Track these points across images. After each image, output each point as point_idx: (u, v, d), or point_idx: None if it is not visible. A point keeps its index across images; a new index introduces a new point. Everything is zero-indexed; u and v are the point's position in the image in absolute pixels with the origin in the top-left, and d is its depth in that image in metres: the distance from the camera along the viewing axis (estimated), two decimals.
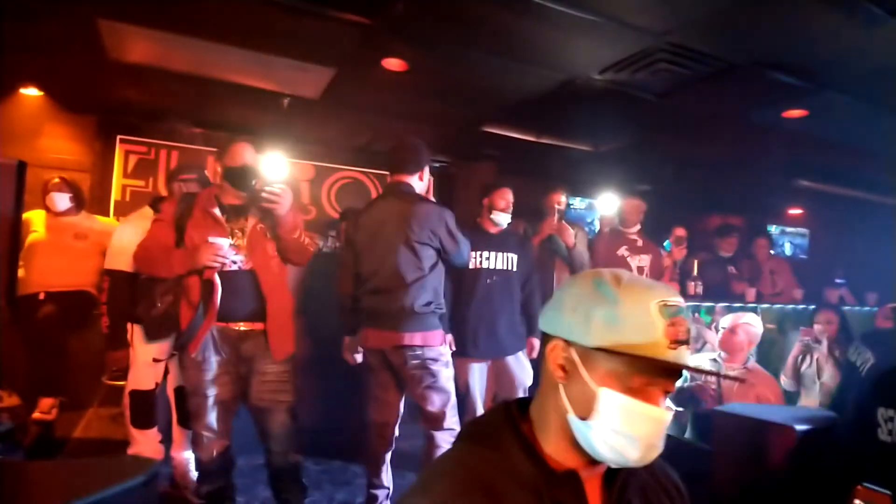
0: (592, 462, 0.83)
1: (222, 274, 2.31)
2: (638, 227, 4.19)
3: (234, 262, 2.34)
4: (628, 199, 4.32)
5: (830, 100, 3.69)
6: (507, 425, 0.85)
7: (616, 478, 0.87)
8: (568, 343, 0.82)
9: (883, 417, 1.77)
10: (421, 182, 2.77)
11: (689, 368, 0.81)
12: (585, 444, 0.81)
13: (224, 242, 2.29)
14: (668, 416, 0.81)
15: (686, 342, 0.80)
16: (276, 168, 5.37)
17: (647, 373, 0.78)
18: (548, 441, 0.84)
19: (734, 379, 3.13)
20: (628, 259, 4.10)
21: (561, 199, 3.76)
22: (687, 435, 3.00)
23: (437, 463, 0.86)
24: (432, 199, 2.85)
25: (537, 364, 0.95)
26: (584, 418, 0.80)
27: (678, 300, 0.81)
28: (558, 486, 0.80)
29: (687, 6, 2.68)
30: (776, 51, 3.10)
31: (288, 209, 2.37)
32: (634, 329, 0.78)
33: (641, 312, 0.78)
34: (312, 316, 3.39)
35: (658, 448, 0.81)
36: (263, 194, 2.32)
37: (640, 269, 4.08)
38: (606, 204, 5.21)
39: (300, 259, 2.53)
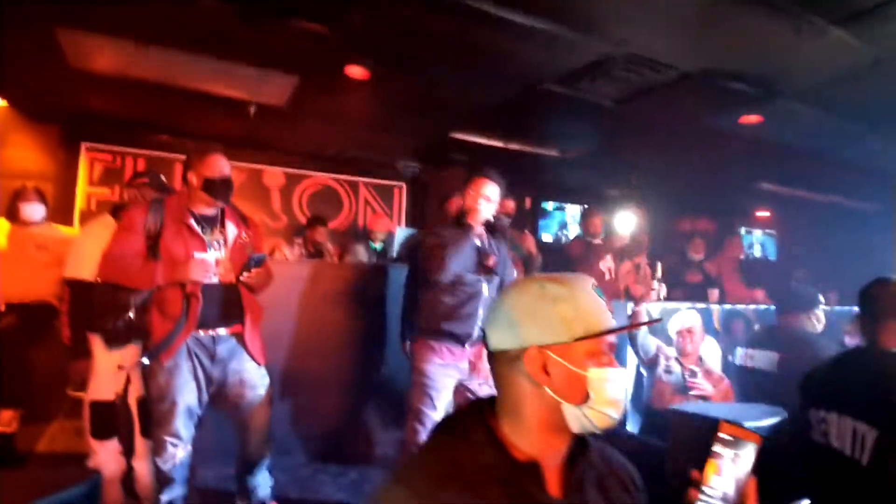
0: (562, 449, 0.93)
1: (203, 286, 2.34)
2: (602, 234, 4.38)
3: (214, 275, 2.37)
4: (590, 211, 4.61)
5: (784, 106, 3.81)
6: (478, 421, 0.92)
7: (574, 467, 0.94)
8: (540, 347, 0.89)
9: (815, 419, 1.79)
10: None
11: (622, 329, 0.95)
12: (580, 425, 0.89)
13: (211, 258, 2.34)
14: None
15: None
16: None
17: (602, 343, 0.90)
18: (521, 437, 0.91)
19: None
20: (600, 264, 4.23)
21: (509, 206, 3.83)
22: (637, 431, 3.07)
23: (413, 455, 0.92)
24: None
25: None
26: (579, 403, 0.88)
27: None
28: (522, 475, 0.88)
29: (640, 18, 2.76)
30: (727, 60, 3.19)
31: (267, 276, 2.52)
32: (590, 312, 0.91)
33: (589, 297, 0.92)
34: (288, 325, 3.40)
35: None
36: (242, 278, 2.40)
37: (606, 272, 4.19)
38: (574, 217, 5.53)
39: (263, 290, 2.61)
